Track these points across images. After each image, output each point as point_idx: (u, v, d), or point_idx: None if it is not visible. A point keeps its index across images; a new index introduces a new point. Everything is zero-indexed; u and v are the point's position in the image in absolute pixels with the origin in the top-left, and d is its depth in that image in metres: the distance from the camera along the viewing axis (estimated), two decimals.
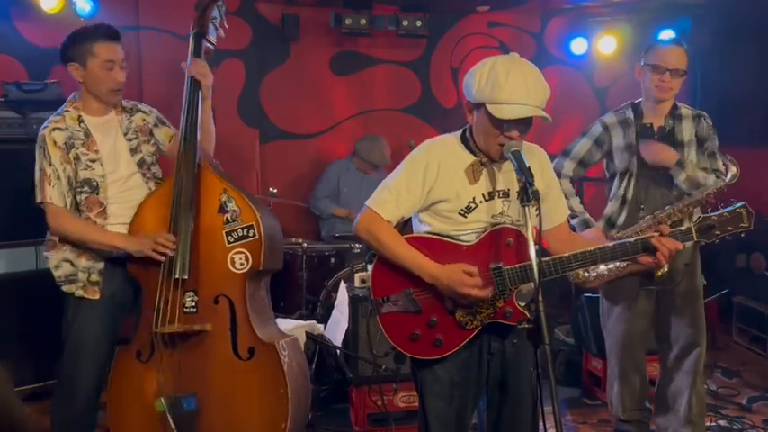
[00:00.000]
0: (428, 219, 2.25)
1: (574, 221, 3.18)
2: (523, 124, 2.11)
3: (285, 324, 3.79)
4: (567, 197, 3.18)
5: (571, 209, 3.16)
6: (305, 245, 4.62)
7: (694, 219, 2.37)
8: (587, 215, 3.19)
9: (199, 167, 2.70)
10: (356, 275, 3.74)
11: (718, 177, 3.08)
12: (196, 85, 2.77)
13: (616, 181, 3.17)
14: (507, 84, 2.03)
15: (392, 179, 2.23)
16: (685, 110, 3.13)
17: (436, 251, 2.16)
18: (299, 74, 5.65)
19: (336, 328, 3.84)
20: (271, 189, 4.94)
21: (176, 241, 2.60)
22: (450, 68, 5.92)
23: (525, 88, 2.04)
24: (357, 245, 4.62)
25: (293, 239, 4.86)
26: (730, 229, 2.22)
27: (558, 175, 3.23)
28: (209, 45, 2.88)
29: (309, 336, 3.73)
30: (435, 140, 2.28)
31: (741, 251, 5.13)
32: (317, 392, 3.93)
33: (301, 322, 3.84)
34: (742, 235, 2.24)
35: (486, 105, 2.07)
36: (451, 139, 2.26)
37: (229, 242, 2.66)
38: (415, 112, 5.89)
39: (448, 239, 2.19)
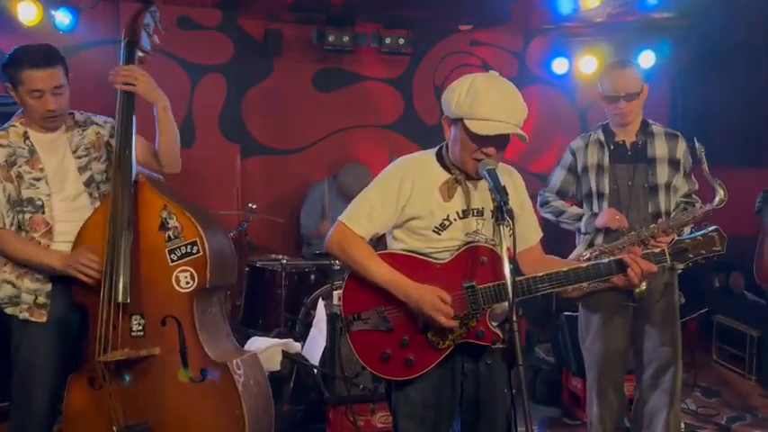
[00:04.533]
0: (402, 236, 2.22)
1: (582, 223, 3.14)
2: (500, 141, 2.10)
3: (261, 342, 3.74)
4: (563, 211, 3.19)
5: (573, 215, 3.15)
6: (284, 261, 4.58)
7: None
8: (585, 209, 3.18)
9: (137, 184, 2.59)
10: (335, 293, 3.70)
11: (688, 203, 3.11)
12: (126, 94, 2.63)
13: (587, 203, 3.17)
14: (486, 100, 2.03)
15: (366, 193, 2.21)
16: (657, 127, 3.15)
17: (409, 269, 2.13)
18: (282, 90, 5.64)
19: (314, 346, 3.79)
20: (250, 205, 4.90)
21: (100, 261, 2.49)
22: (434, 86, 5.94)
23: (504, 106, 2.05)
24: (337, 262, 4.57)
25: (273, 256, 4.82)
26: (703, 252, 2.22)
27: (546, 204, 3.25)
28: (141, 54, 2.74)
29: (286, 354, 3.68)
30: (410, 157, 2.27)
31: (720, 270, 5.16)
32: (293, 412, 3.87)
33: (278, 340, 3.78)
34: (714, 258, 2.24)
35: (465, 120, 2.07)
36: (427, 156, 2.25)
37: (173, 260, 2.55)
38: (397, 129, 5.91)
39: (421, 257, 2.16)
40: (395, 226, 2.21)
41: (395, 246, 2.24)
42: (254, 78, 5.59)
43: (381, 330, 2.15)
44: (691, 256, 2.21)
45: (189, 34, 5.24)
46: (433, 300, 2.06)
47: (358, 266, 2.15)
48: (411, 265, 2.15)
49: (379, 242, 2.26)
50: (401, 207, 2.16)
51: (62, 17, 4.67)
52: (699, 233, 2.25)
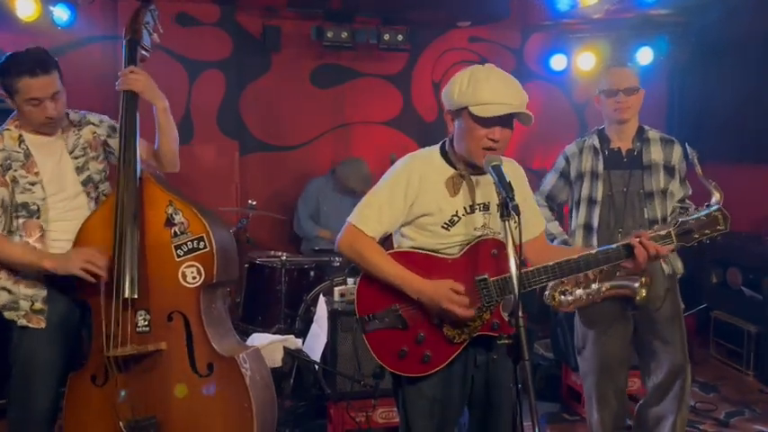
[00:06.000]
0: (410, 233, 2.23)
1: (553, 244, 3.16)
2: (506, 124, 2.11)
3: (262, 339, 3.75)
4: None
5: (549, 232, 3.16)
6: (284, 258, 4.58)
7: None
8: (566, 236, 3.19)
9: (141, 181, 2.58)
10: (336, 289, 3.71)
11: (683, 207, 3.12)
12: (129, 93, 2.63)
13: (580, 209, 3.14)
14: (488, 85, 2.07)
15: (374, 194, 2.21)
16: (653, 133, 3.13)
17: (420, 265, 2.14)
18: (280, 86, 5.64)
19: (315, 342, 3.80)
20: (250, 201, 4.90)
21: (112, 262, 2.47)
22: (432, 82, 5.94)
23: (505, 89, 2.08)
24: (337, 258, 4.59)
25: (272, 252, 4.83)
26: (707, 232, 2.23)
27: None
28: (143, 52, 2.76)
29: (287, 350, 3.68)
30: (416, 154, 2.27)
31: (718, 266, 5.17)
32: (294, 408, 3.88)
33: (279, 337, 3.79)
34: (718, 238, 2.24)
35: (469, 107, 2.09)
36: (431, 152, 2.26)
37: (179, 256, 2.56)
38: (396, 125, 5.91)
39: (431, 253, 2.17)
40: (403, 223, 2.22)
41: (403, 243, 2.25)
42: (253, 74, 5.58)
43: (397, 328, 2.16)
44: (696, 236, 2.22)
45: (187, 30, 5.23)
46: (447, 293, 2.08)
47: (370, 266, 2.16)
48: (422, 261, 2.16)
49: (386, 241, 2.27)
50: (409, 204, 2.17)
51: (60, 13, 4.65)
52: (702, 213, 2.25)
